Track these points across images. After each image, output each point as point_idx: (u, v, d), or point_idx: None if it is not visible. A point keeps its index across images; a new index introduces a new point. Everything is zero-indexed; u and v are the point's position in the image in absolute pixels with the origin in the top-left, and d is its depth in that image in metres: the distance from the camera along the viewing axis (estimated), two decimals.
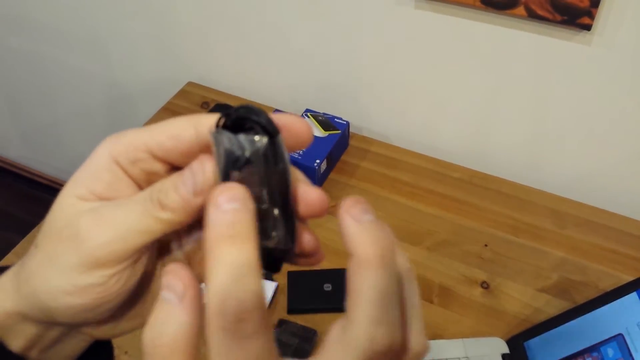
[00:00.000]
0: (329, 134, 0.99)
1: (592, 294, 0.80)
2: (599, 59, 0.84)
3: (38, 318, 0.28)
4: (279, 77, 1.16)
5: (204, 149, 0.26)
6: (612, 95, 0.87)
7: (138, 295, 0.30)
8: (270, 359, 0.22)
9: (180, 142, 0.26)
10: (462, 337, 0.77)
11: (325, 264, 0.85)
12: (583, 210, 0.94)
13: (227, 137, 0.24)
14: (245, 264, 0.22)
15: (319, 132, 0.99)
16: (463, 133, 1.04)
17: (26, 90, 1.59)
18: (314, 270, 0.84)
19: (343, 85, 1.10)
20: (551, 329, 0.74)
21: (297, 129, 0.26)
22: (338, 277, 0.83)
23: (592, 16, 0.79)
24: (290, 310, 0.81)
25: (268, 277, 0.84)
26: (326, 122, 1.01)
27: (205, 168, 0.25)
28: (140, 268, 0.28)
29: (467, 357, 0.75)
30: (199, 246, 0.31)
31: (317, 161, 0.94)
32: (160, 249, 0.31)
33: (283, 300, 0.82)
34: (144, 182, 0.28)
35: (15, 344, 0.29)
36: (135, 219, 0.26)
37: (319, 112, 1.03)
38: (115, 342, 0.36)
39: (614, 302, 0.70)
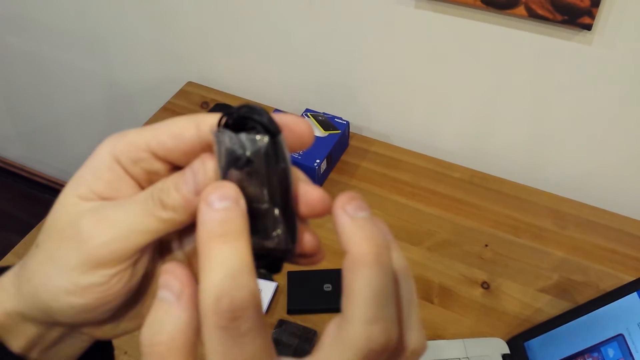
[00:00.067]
0: (329, 134, 0.99)
1: (592, 294, 0.79)
2: (600, 58, 0.84)
3: (39, 318, 0.28)
4: (279, 76, 1.16)
5: (206, 149, 0.26)
6: (612, 95, 0.87)
7: (139, 295, 0.30)
8: (267, 356, 0.22)
9: (181, 141, 0.26)
10: (463, 338, 0.77)
11: (325, 264, 0.85)
12: (584, 211, 0.94)
13: (228, 136, 0.24)
14: (238, 262, 0.22)
15: (319, 132, 0.99)
16: (463, 133, 1.04)
17: (26, 90, 1.59)
18: (314, 270, 0.84)
19: (343, 85, 1.09)
20: (552, 329, 0.74)
21: (298, 129, 0.26)
22: (338, 277, 0.83)
23: (592, 16, 0.79)
24: (290, 311, 0.81)
25: (268, 277, 0.84)
26: (326, 122, 1.01)
27: (207, 167, 0.25)
28: (141, 268, 0.28)
29: (467, 358, 0.75)
30: None
31: (317, 161, 0.94)
32: (160, 249, 0.30)
33: (283, 301, 0.82)
34: (145, 181, 0.28)
35: (16, 344, 0.29)
36: (137, 218, 0.26)
37: (319, 112, 1.03)
38: (115, 343, 0.36)
39: (615, 302, 0.70)
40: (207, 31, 1.16)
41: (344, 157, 1.03)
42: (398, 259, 0.25)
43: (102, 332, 0.30)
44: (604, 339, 0.68)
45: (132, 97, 1.40)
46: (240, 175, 0.24)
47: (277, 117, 0.25)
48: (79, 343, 0.31)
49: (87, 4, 1.25)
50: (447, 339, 0.77)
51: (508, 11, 0.84)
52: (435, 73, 0.99)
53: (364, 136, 1.08)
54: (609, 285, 0.83)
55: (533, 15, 0.83)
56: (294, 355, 0.75)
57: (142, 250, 0.27)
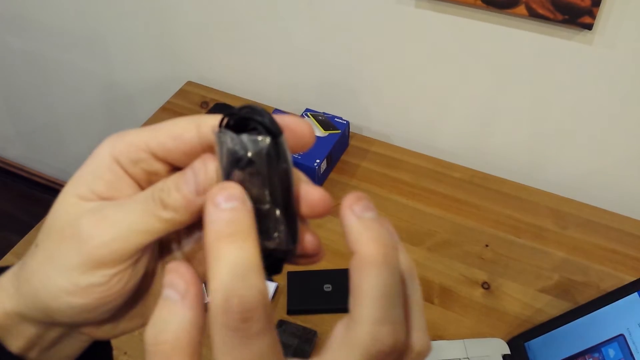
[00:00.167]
0: (329, 134, 0.99)
1: (593, 295, 0.79)
2: (600, 58, 0.84)
3: (38, 318, 0.28)
4: (278, 76, 1.15)
5: (206, 150, 0.26)
6: (613, 94, 0.87)
7: (139, 295, 0.30)
8: (275, 357, 0.22)
9: (181, 142, 0.26)
10: (463, 338, 0.77)
11: (325, 264, 0.85)
12: (584, 211, 0.94)
13: (230, 137, 0.24)
14: (247, 262, 0.22)
15: (319, 131, 0.99)
16: (464, 133, 1.04)
17: (26, 90, 1.59)
18: (314, 270, 0.84)
19: (343, 85, 1.09)
20: (552, 329, 0.74)
21: (299, 130, 0.26)
22: (338, 278, 0.83)
23: (593, 15, 0.79)
24: (290, 311, 0.80)
25: (268, 277, 0.84)
26: (326, 121, 1.01)
27: (208, 167, 0.25)
28: (141, 268, 0.28)
29: (467, 358, 0.75)
30: (199, 246, 0.31)
31: (317, 161, 0.94)
32: (160, 249, 0.30)
33: (283, 301, 0.82)
34: (145, 182, 0.28)
35: (15, 345, 0.29)
36: (137, 218, 0.26)
37: (319, 112, 1.03)
38: (115, 343, 0.36)
39: (615, 302, 0.70)
40: (206, 31, 1.16)
41: (344, 157, 1.03)
42: (404, 259, 0.25)
43: (101, 332, 0.30)
44: (605, 339, 0.68)
45: (132, 96, 1.40)
46: (241, 175, 0.24)
47: (279, 118, 0.25)
48: (78, 343, 0.31)
49: (87, 4, 1.25)
50: (448, 339, 0.77)
51: (508, 10, 0.84)
52: (436, 73, 0.99)
53: (364, 136, 1.08)
54: (610, 285, 0.83)
55: (533, 14, 0.83)
56: (294, 355, 0.75)
57: (142, 251, 0.27)
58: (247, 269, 0.22)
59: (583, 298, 0.81)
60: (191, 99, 1.18)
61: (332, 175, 1.00)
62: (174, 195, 0.25)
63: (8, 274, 0.29)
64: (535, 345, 0.74)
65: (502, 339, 0.77)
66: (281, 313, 0.81)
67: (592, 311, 0.72)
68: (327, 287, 0.82)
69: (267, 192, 0.25)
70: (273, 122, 0.25)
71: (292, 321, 0.79)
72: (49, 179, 1.84)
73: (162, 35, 1.22)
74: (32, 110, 1.64)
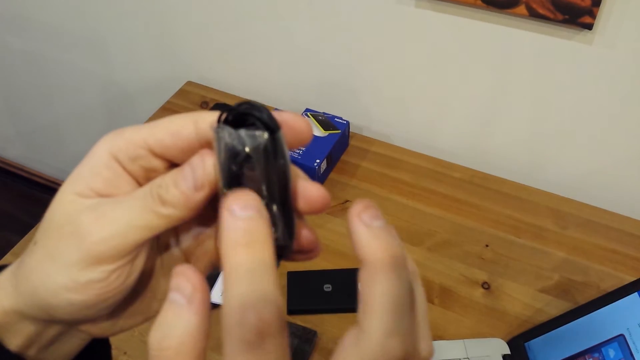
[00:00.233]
0: (329, 134, 0.98)
1: (593, 295, 0.79)
2: (600, 58, 0.84)
3: (37, 316, 0.28)
4: (278, 76, 1.15)
5: (204, 146, 0.26)
6: (613, 94, 0.87)
7: (137, 292, 0.30)
8: None
9: (179, 139, 0.26)
10: (463, 338, 0.77)
11: (325, 264, 0.85)
12: (584, 211, 0.94)
13: (228, 132, 0.24)
14: (264, 274, 0.22)
15: (319, 131, 0.99)
16: (464, 133, 1.04)
17: (26, 90, 1.59)
18: (314, 270, 0.84)
19: (343, 85, 1.09)
20: (552, 329, 0.74)
21: (297, 126, 0.26)
22: (338, 278, 0.83)
23: (593, 15, 0.79)
24: (290, 311, 0.80)
25: None
26: (326, 121, 1.01)
27: (206, 163, 0.25)
28: (140, 264, 0.28)
29: (467, 358, 0.75)
30: (198, 242, 0.31)
31: (317, 161, 0.94)
32: (158, 246, 0.30)
33: (283, 301, 0.81)
34: (143, 179, 0.28)
35: (14, 343, 0.29)
36: (136, 214, 0.26)
37: (319, 112, 1.03)
38: (114, 343, 0.36)
39: (616, 302, 0.70)
40: (206, 31, 1.16)
41: (344, 157, 1.03)
42: (410, 266, 0.25)
43: (100, 330, 0.30)
44: (605, 339, 0.68)
45: (132, 96, 1.40)
46: (239, 171, 0.24)
47: (277, 114, 0.26)
48: (76, 341, 0.31)
49: (87, 4, 1.25)
50: (448, 340, 0.77)
51: (509, 10, 0.84)
52: (436, 72, 0.99)
53: (364, 136, 1.08)
54: (610, 285, 0.82)
55: (534, 14, 0.83)
56: (294, 356, 0.75)
57: (140, 247, 0.27)
58: (265, 281, 0.22)
59: (583, 298, 0.81)
60: (191, 99, 1.18)
61: (332, 175, 1.00)
62: (172, 192, 0.25)
63: (6, 272, 0.29)
64: (535, 345, 0.74)
65: (502, 339, 0.77)
66: None
67: (592, 311, 0.72)
68: (327, 287, 0.82)
69: (264, 188, 0.25)
70: (271, 117, 0.25)
71: (292, 321, 0.79)
72: (49, 179, 1.84)
73: (162, 35, 1.22)
74: (32, 110, 1.64)
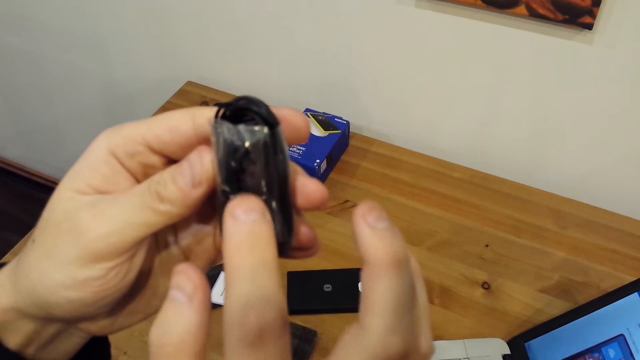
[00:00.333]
0: (329, 134, 0.98)
1: (593, 295, 0.79)
2: (600, 58, 0.84)
3: (35, 314, 0.28)
4: (278, 76, 1.15)
5: (202, 142, 0.26)
6: (613, 94, 0.87)
7: (136, 290, 0.30)
8: None
9: (177, 134, 0.26)
10: (463, 338, 0.77)
11: (325, 264, 0.85)
12: (584, 211, 0.94)
13: (227, 127, 0.24)
14: (266, 275, 0.22)
15: (319, 131, 0.99)
16: (464, 133, 1.04)
17: (26, 90, 1.59)
18: (314, 270, 0.84)
19: (343, 85, 1.09)
20: (552, 329, 0.74)
21: (295, 122, 0.26)
22: (338, 278, 0.83)
23: (593, 15, 0.79)
24: (290, 311, 0.80)
25: None
26: (326, 121, 1.01)
27: (204, 159, 0.25)
28: (138, 262, 0.28)
29: (467, 358, 0.74)
30: (197, 240, 0.30)
31: (317, 161, 0.94)
32: (157, 243, 0.30)
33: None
34: (142, 175, 0.28)
35: (12, 341, 0.29)
36: (134, 211, 0.25)
37: (319, 112, 1.03)
38: (114, 343, 0.36)
39: (616, 302, 0.70)
40: (206, 31, 1.16)
41: (344, 157, 1.03)
42: (413, 266, 0.26)
43: (98, 328, 0.30)
44: (605, 339, 0.68)
45: (132, 96, 1.40)
46: (238, 166, 0.24)
47: (274, 110, 0.25)
48: (75, 339, 0.31)
49: (87, 4, 1.25)
50: (448, 339, 0.77)
51: (509, 10, 0.84)
52: (436, 73, 0.99)
53: (364, 136, 1.08)
54: (610, 285, 0.82)
55: (534, 14, 0.82)
56: (294, 356, 0.75)
57: (139, 244, 0.27)
58: (267, 282, 0.22)
59: (583, 298, 0.81)
60: (191, 99, 1.18)
61: (332, 175, 1.00)
62: (170, 188, 0.25)
63: (5, 270, 0.29)
64: (535, 345, 0.74)
65: (502, 339, 0.77)
66: None
67: (592, 311, 0.71)
68: (327, 287, 0.82)
69: (263, 183, 0.24)
70: (270, 112, 0.25)
71: (292, 321, 0.79)
72: (49, 179, 1.84)
73: (162, 35, 1.22)
74: (32, 110, 1.64)
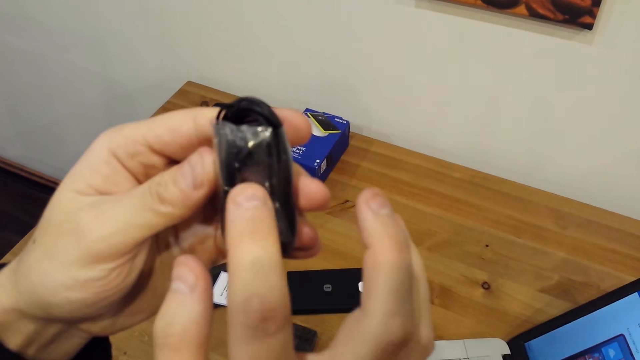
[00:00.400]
0: (329, 134, 0.98)
1: (593, 295, 0.79)
2: (600, 58, 0.84)
3: (36, 314, 0.28)
4: (278, 76, 1.15)
5: (203, 142, 0.26)
6: (613, 94, 0.87)
7: (137, 291, 0.30)
8: (287, 354, 0.22)
9: (178, 135, 0.26)
10: (463, 338, 0.77)
11: (325, 264, 0.85)
12: (584, 211, 0.94)
13: (229, 129, 0.24)
14: (268, 261, 0.22)
15: (319, 131, 0.99)
16: (464, 133, 1.04)
17: (25, 90, 1.59)
18: (314, 270, 0.84)
19: (343, 85, 1.09)
20: (552, 329, 0.74)
21: (296, 123, 0.26)
22: (338, 278, 0.83)
23: (593, 15, 0.79)
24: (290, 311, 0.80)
25: None
26: (326, 121, 1.01)
27: (205, 161, 0.25)
28: (139, 263, 0.28)
29: (467, 358, 0.74)
30: (198, 240, 0.30)
31: (317, 161, 0.94)
32: (158, 244, 0.30)
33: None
34: (142, 175, 0.28)
35: (13, 342, 0.29)
36: (135, 212, 0.25)
37: (319, 112, 1.03)
38: (114, 343, 0.36)
39: (616, 302, 0.70)
40: (206, 31, 1.16)
41: (344, 157, 1.03)
42: (415, 257, 0.26)
43: (99, 328, 0.30)
44: (605, 339, 0.68)
45: (132, 96, 1.40)
46: (241, 167, 0.24)
47: (276, 111, 0.25)
48: (76, 340, 0.31)
49: (87, 4, 1.25)
50: (448, 339, 0.77)
51: (509, 10, 0.84)
52: (436, 72, 0.99)
53: (364, 136, 1.08)
54: (610, 285, 0.82)
55: (534, 14, 0.83)
56: None
57: (140, 245, 0.27)
58: (269, 268, 0.22)
59: (583, 298, 0.81)
60: (191, 99, 1.18)
61: (332, 175, 1.00)
62: (171, 189, 0.25)
63: (5, 271, 0.29)
64: (535, 345, 0.74)
65: (502, 339, 0.77)
66: None
67: (592, 311, 0.71)
68: (327, 287, 0.82)
69: (267, 184, 0.24)
70: (273, 113, 0.25)
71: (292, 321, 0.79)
72: (49, 179, 1.84)
73: (162, 35, 1.22)
74: (32, 110, 1.64)
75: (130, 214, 0.25)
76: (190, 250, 0.31)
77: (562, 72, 0.88)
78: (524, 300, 0.82)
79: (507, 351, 0.75)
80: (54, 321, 0.29)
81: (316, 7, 1.00)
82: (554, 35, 0.85)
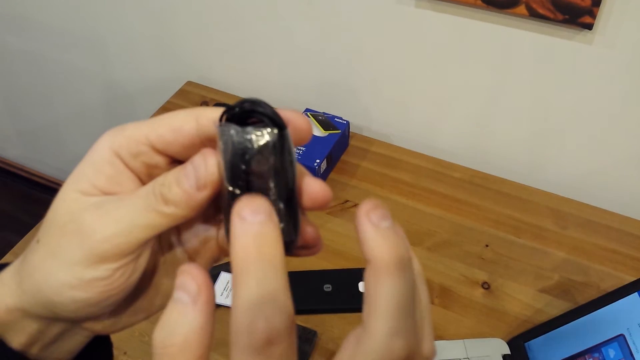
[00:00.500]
0: (329, 134, 0.98)
1: (593, 295, 0.79)
2: (600, 58, 0.84)
3: (40, 314, 0.28)
4: (278, 76, 1.15)
5: (205, 142, 0.26)
6: (613, 94, 0.87)
7: (140, 290, 0.30)
8: None
9: (181, 135, 0.26)
10: (463, 338, 0.77)
11: (325, 264, 0.85)
12: (584, 211, 0.94)
13: (235, 130, 0.24)
14: (275, 280, 0.22)
15: (319, 131, 0.99)
16: (464, 133, 1.04)
17: (25, 90, 1.59)
18: (314, 270, 0.84)
19: (343, 85, 1.09)
20: (552, 329, 0.74)
21: (298, 124, 0.26)
22: (338, 278, 0.83)
23: (593, 15, 0.79)
24: None
25: None
26: (326, 121, 1.01)
27: (208, 162, 0.25)
28: (143, 262, 0.28)
29: (467, 358, 0.74)
30: (200, 241, 0.31)
31: (317, 161, 0.94)
32: (161, 244, 0.30)
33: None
34: (145, 175, 0.28)
35: (16, 341, 0.29)
36: (139, 213, 0.26)
37: (319, 112, 1.03)
38: (115, 343, 0.36)
39: (616, 302, 0.70)
40: (206, 30, 1.16)
41: (344, 157, 1.03)
42: (415, 266, 0.26)
43: (102, 327, 0.30)
44: (605, 339, 0.68)
45: (132, 96, 1.40)
46: (246, 169, 0.24)
47: (279, 112, 0.25)
48: (79, 339, 0.31)
49: (87, 4, 1.25)
50: (448, 339, 0.77)
51: (509, 10, 0.84)
52: (436, 72, 0.99)
53: (364, 136, 1.08)
54: (610, 285, 0.83)
55: (534, 14, 0.83)
56: None
57: (144, 245, 0.27)
58: (275, 289, 0.21)
59: (583, 298, 0.81)
60: (191, 99, 1.18)
61: (332, 175, 1.00)
62: (175, 190, 0.25)
63: (9, 270, 0.29)
64: (535, 345, 0.74)
65: (502, 339, 0.77)
66: None
67: (592, 311, 0.72)
68: (327, 287, 0.82)
69: (272, 185, 0.25)
70: (277, 114, 0.25)
71: None
72: (49, 179, 1.84)
73: (162, 35, 1.22)
74: (32, 110, 1.64)
75: (134, 215, 0.26)
76: (193, 250, 0.31)
77: (562, 72, 0.88)
78: (524, 300, 0.82)
79: (507, 351, 0.75)
80: (58, 320, 0.29)
81: (316, 7, 1.00)
82: (554, 35, 0.85)
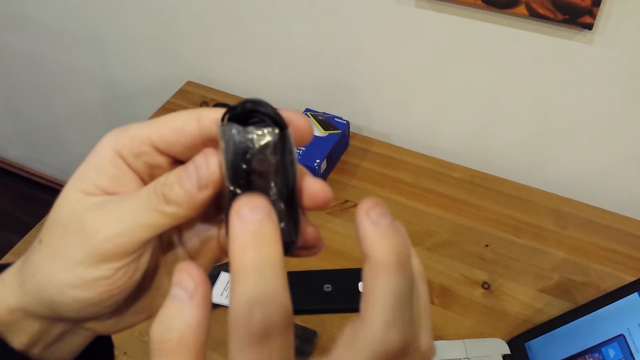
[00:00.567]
0: (329, 134, 0.98)
1: (593, 295, 0.79)
2: (600, 58, 0.84)
3: (42, 314, 0.28)
4: (278, 76, 1.15)
5: (207, 143, 0.26)
6: (613, 94, 0.87)
7: (141, 290, 0.30)
8: None
9: (183, 135, 0.27)
10: (463, 338, 0.77)
11: (325, 264, 0.85)
12: (584, 211, 0.94)
13: (236, 130, 0.24)
14: (272, 275, 0.22)
15: (319, 131, 0.99)
16: (464, 133, 1.04)
17: (25, 90, 1.59)
18: (314, 270, 0.84)
19: (343, 85, 1.09)
20: (552, 329, 0.74)
21: (299, 125, 0.26)
22: (338, 278, 0.83)
23: (593, 15, 0.79)
24: None
25: None
26: (326, 121, 1.01)
27: (209, 162, 0.25)
28: (144, 262, 0.28)
29: (467, 358, 0.75)
30: (201, 241, 0.31)
31: (317, 161, 0.94)
32: (162, 244, 0.31)
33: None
34: (148, 175, 0.28)
35: (18, 341, 0.29)
36: (141, 213, 0.26)
37: (319, 112, 1.03)
38: (115, 343, 0.36)
39: (616, 302, 0.70)
40: (206, 30, 1.16)
41: (344, 157, 1.03)
42: (415, 263, 0.26)
43: (104, 327, 0.30)
44: (605, 339, 0.68)
45: (132, 96, 1.40)
46: (247, 168, 0.24)
47: (280, 112, 0.26)
48: (80, 339, 0.31)
49: (87, 4, 1.25)
50: (448, 339, 0.77)
51: (509, 10, 0.84)
52: (436, 72, 0.99)
53: (364, 136, 1.08)
54: (610, 285, 0.83)
55: (534, 14, 0.83)
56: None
57: (146, 245, 0.27)
58: (273, 280, 0.22)
59: (583, 298, 0.81)
60: (191, 99, 1.18)
61: (332, 175, 1.00)
62: (177, 190, 0.25)
63: (11, 270, 0.29)
64: (535, 345, 0.74)
65: (502, 339, 0.77)
66: None
67: (592, 311, 0.72)
68: (327, 287, 0.82)
69: (272, 184, 0.25)
70: (278, 114, 0.25)
71: None
72: (49, 179, 1.84)
73: (162, 35, 1.22)
74: (32, 110, 1.64)
75: (136, 215, 0.26)
76: (194, 250, 0.31)
77: (562, 72, 0.88)
78: (524, 300, 0.82)
79: (507, 351, 0.75)
80: (59, 320, 0.29)
81: (316, 7, 1.01)
82: (554, 35, 0.85)
